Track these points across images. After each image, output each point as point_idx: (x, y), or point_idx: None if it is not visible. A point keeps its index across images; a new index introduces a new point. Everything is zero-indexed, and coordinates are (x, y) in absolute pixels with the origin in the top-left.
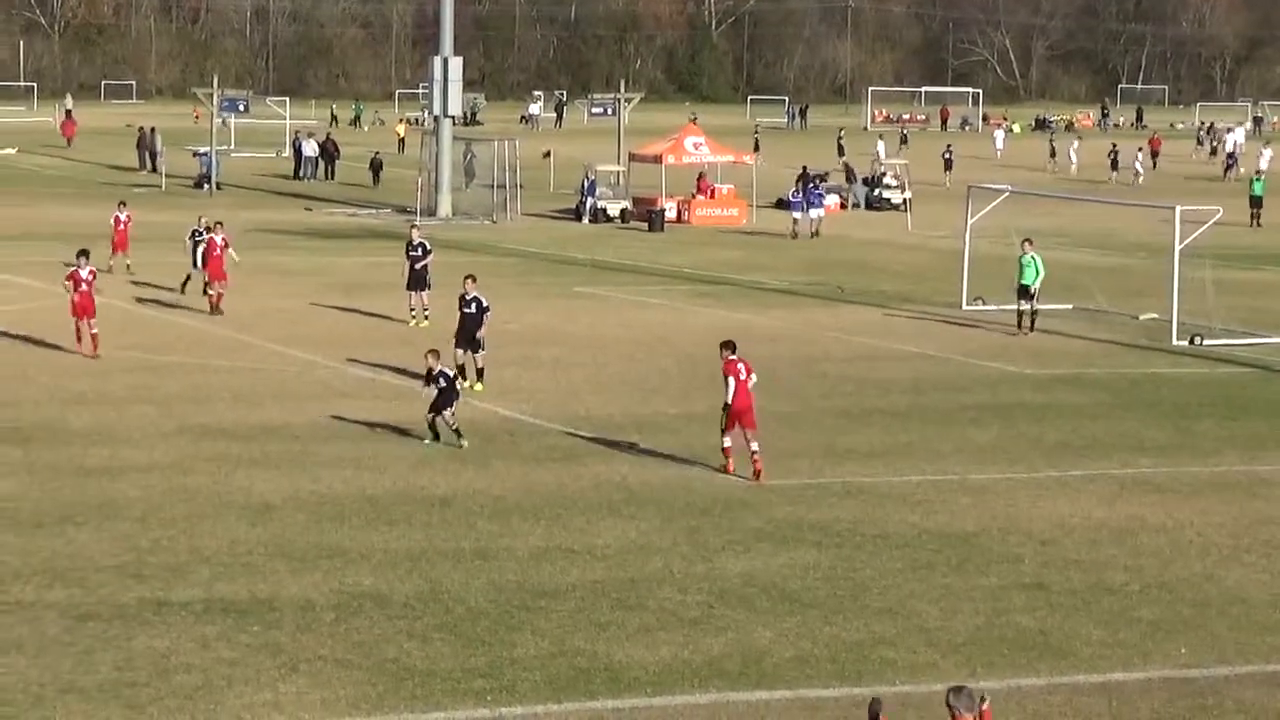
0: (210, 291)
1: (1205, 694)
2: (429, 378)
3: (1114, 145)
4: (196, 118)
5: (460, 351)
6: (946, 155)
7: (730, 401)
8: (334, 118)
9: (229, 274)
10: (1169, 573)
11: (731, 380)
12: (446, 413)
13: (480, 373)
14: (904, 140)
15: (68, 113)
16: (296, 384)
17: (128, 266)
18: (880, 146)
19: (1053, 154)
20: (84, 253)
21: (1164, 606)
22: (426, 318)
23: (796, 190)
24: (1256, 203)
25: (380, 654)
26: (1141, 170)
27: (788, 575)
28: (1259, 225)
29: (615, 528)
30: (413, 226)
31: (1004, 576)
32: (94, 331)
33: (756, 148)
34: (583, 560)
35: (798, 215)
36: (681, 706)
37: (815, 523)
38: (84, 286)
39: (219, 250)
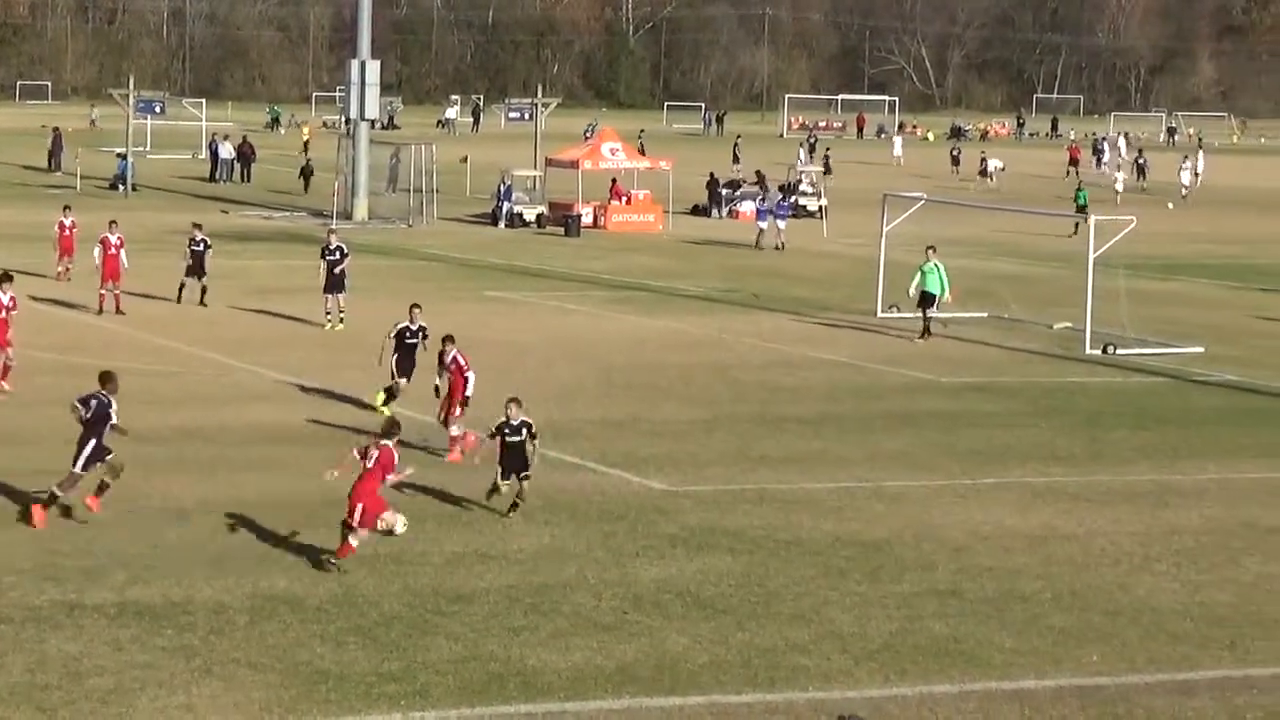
0: (104, 291)
1: (1116, 702)
2: (503, 430)
3: (983, 154)
4: (92, 123)
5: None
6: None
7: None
8: (275, 121)
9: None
10: (1081, 581)
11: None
12: (524, 483)
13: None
14: (812, 147)
15: None
16: (212, 387)
17: (68, 269)
18: (801, 153)
19: (955, 163)
20: (7, 277)
21: (1076, 614)
22: (342, 320)
23: (763, 199)
24: (1080, 210)
25: (293, 658)
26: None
27: (701, 581)
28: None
29: (530, 533)
30: (330, 231)
31: (917, 584)
32: (11, 363)
33: (642, 150)
34: (497, 565)
35: (763, 225)
36: (595, 712)
37: (729, 529)
38: (2, 314)
39: (113, 250)
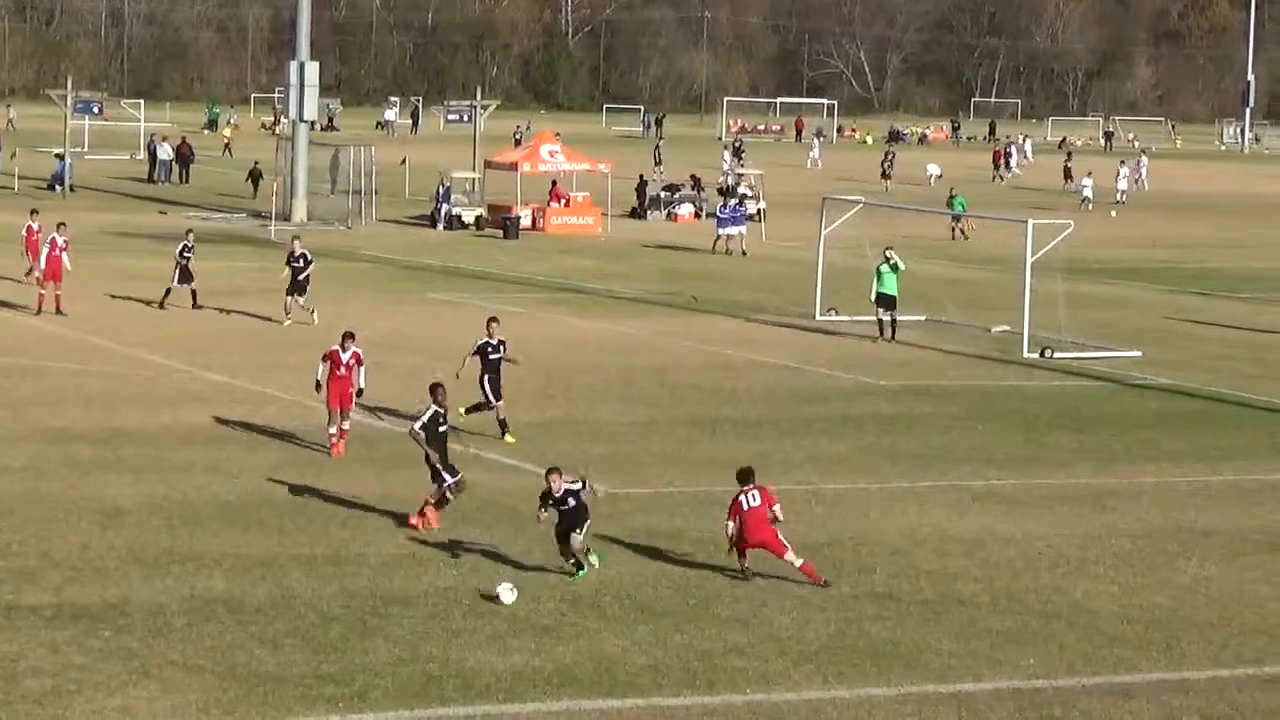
0: (44, 290)
1: (1053, 704)
2: (548, 500)
3: (890, 153)
4: (10, 122)
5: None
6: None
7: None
8: (213, 122)
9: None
10: (1018, 584)
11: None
12: (575, 536)
13: (504, 423)
14: (738, 152)
15: None
16: (151, 388)
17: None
18: (727, 156)
19: (885, 171)
20: None
21: (1013, 617)
22: (312, 314)
23: (724, 205)
24: (956, 217)
25: (231, 659)
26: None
27: (640, 584)
28: (965, 237)
29: (469, 534)
30: (295, 238)
31: (855, 586)
32: None
33: (518, 143)
34: (435, 567)
35: (725, 231)
36: (533, 714)
37: (668, 531)
38: None
39: (58, 250)
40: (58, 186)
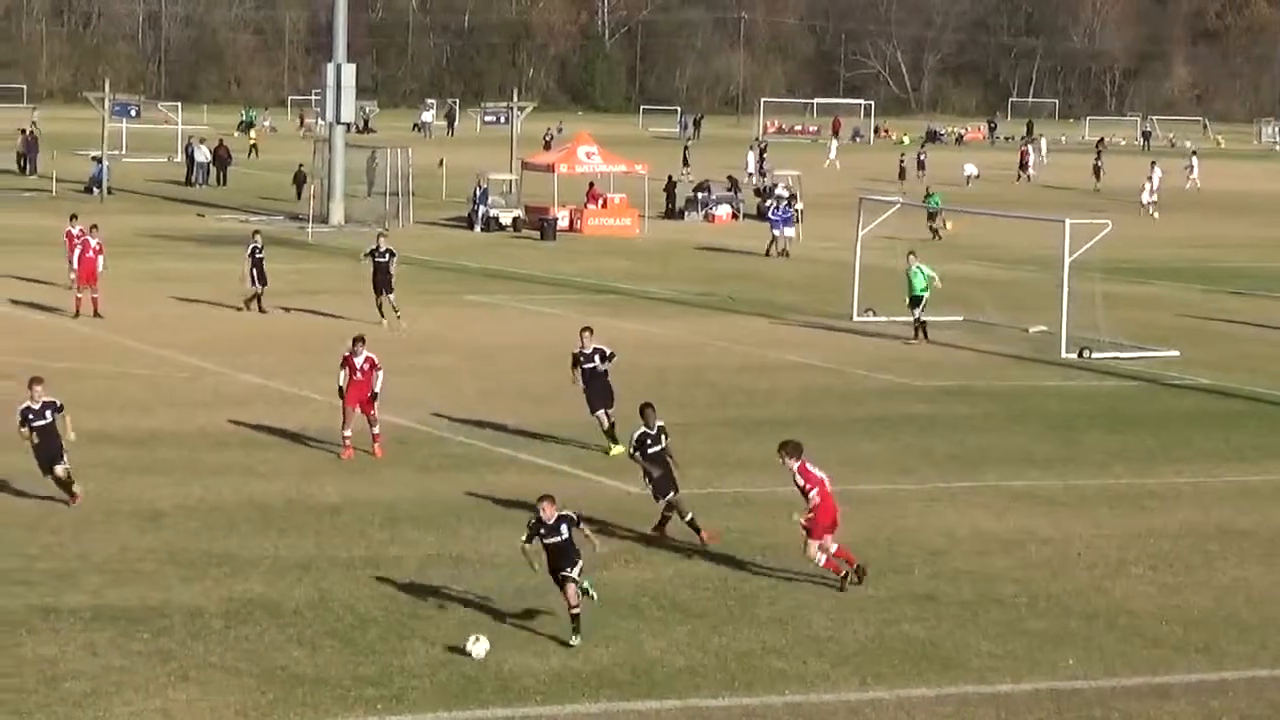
0: (80, 294)
1: (1092, 705)
2: (538, 531)
3: (920, 154)
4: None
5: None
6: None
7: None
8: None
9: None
10: (1057, 585)
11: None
12: (569, 580)
13: (611, 430)
14: (762, 152)
15: None
16: (187, 390)
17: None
18: (750, 157)
19: (902, 174)
20: None
21: (1052, 618)
22: (398, 316)
23: (778, 206)
24: (931, 216)
25: (270, 662)
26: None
27: (678, 585)
28: (938, 237)
29: (506, 537)
30: (379, 234)
31: (893, 588)
32: None
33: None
34: (473, 569)
35: (777, 232)
36: (571, 715)
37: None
38: None
39: (91, 253)
40: (95, 189)
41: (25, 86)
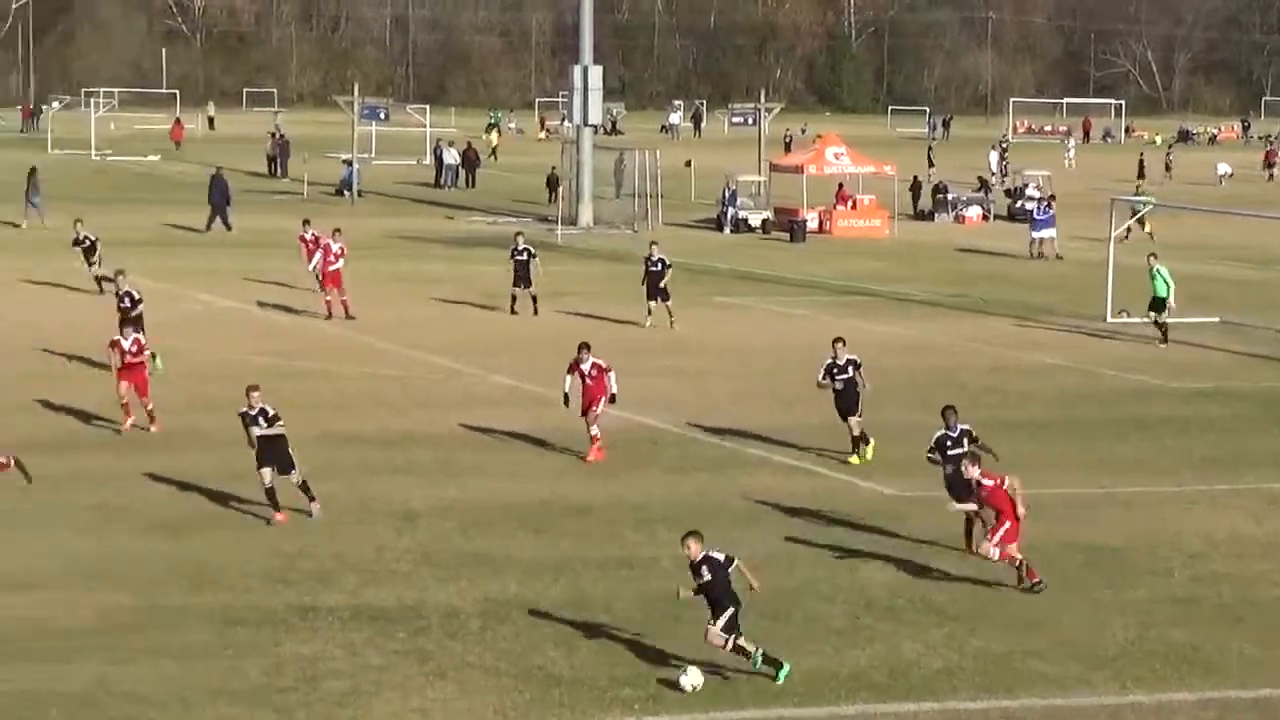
0: (329, 297)
1: None
2: (697, 574)
3: (1142, 155)
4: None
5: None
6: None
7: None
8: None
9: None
10: None
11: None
12: (711, 627)
13: (857, 440)
14: (1004, 152)
15: (177, 120)
16: (439, 391)
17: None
18: (992, 157)
19: (1142, 173)
20: (128, 320)
21: None
22: (671, 320)
23: (1037, 207)
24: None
25: (527, 662)
26: None
27: (934, 587)
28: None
29: (760, 538)
30: (653, 243)
31: (1153, 590)
32: (149, 407)
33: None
34: None
35: (1036, 234)
36: (828, 717)
37: (959, 535)
38: (127, 358)
39: (332, 256)
40: (345, 192)
41: (276, 91)
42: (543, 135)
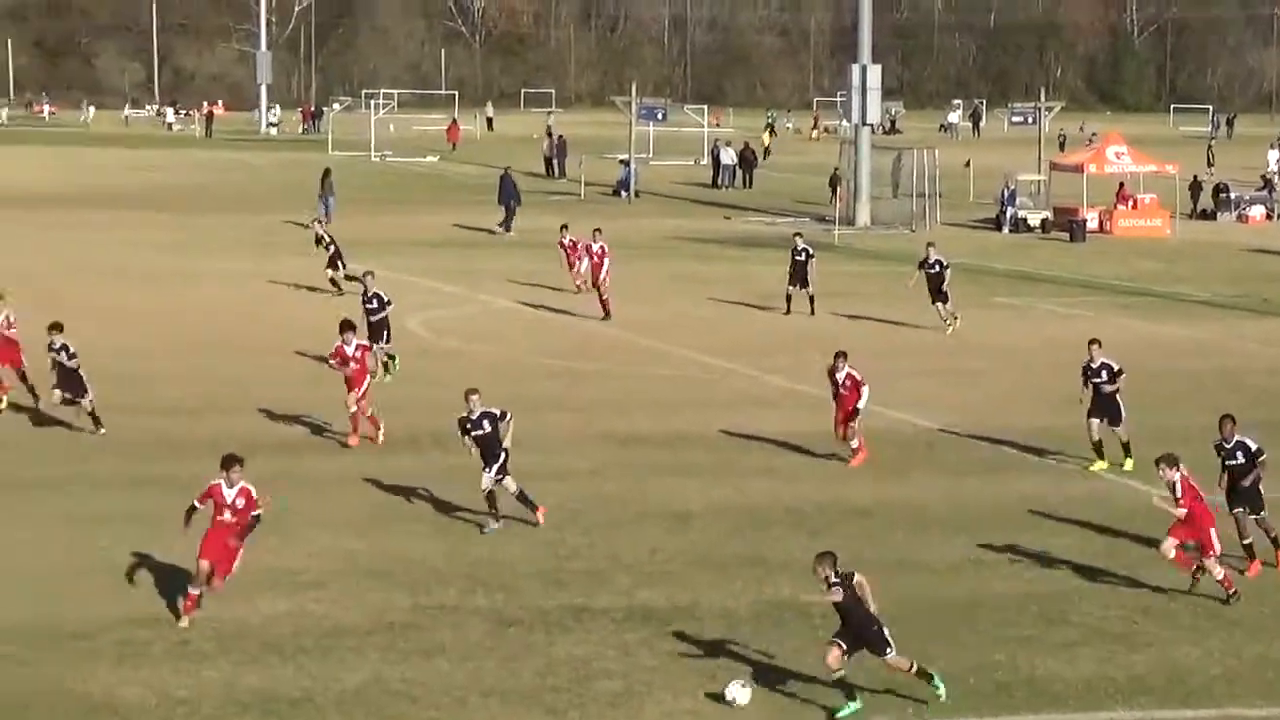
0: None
1: None
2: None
3: None
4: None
5: (1096, 423)
6: None
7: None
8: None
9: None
10: None
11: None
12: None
13: (1125, 446)
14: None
15: (453, 120)
16: (715, 392)
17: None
18: (1272, 155)
19: None
20: (349, 325)
21: None
22: (957, 320)
23: None
24: None
25: (800, 663)
26: None
27: (1211, 592)
28: None
29: (1036, 541)
30: (929, 245)
31: None
32: (368, 414)
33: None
34: (1004, 573)
35: None
36: None
37: (1238, 542)
38: (353, 365)
39: (595, 257)
40: (623, 192)
41: (553, 91)
42: (815, 135)
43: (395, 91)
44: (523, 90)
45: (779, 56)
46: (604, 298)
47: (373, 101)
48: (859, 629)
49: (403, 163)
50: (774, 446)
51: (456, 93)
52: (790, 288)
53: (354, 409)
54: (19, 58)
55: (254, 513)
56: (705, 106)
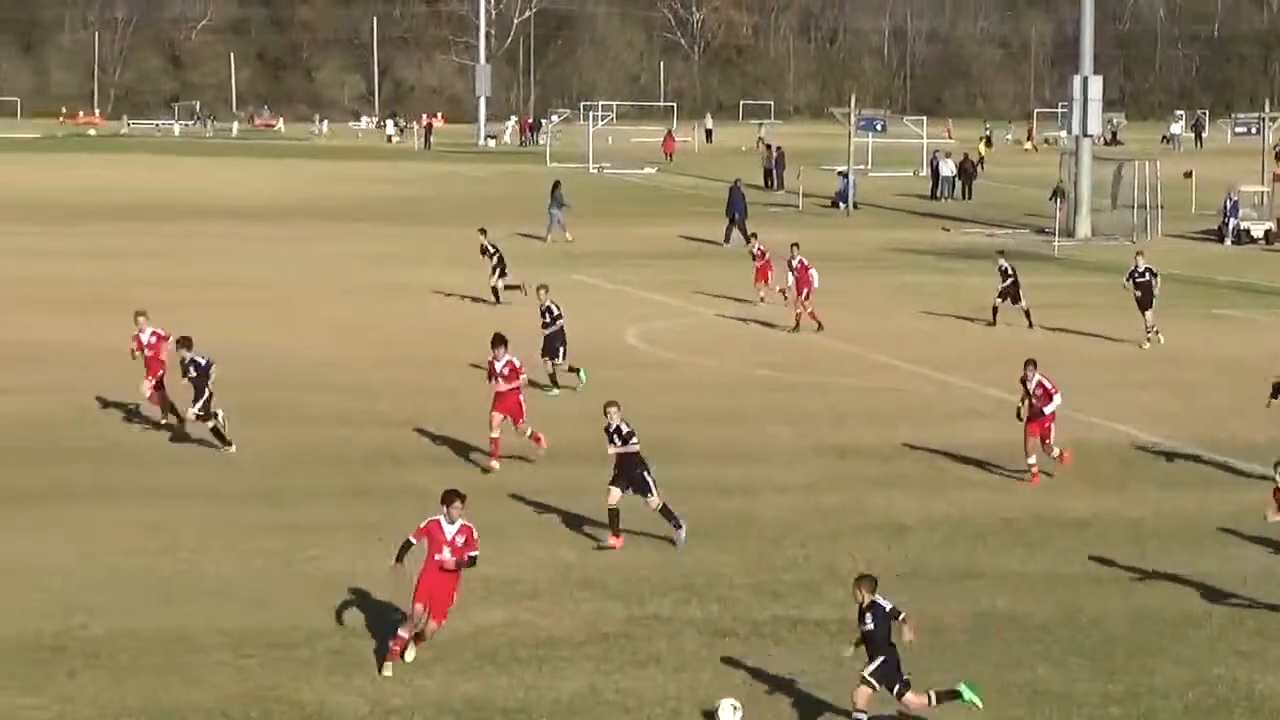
0: (799, 309)
1: None
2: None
3: None
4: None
5: None
6: None
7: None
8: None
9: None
10: None
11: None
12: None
13: None
14: None
15: (668, 132)
16: (931, 404)
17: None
18: None
19: None
20: (501, 341)
21: None
22: (1157, 336)
23: None
24: None
25: (1015, 677)
26: None
27: None
28: None
29: (1257, 555)
30: (1138, 254)
31: None
32: (528, 433)
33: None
34: (1219, 587)
35: None
36: None
37: None
38: (501, 384)
39: (798, 272)
40: (841, 204)
41: (772, 103)
42: (1027, 146)
43: (614, 103)
44: (741, 102)
45: (999, 67)
46: (799, 312)
47: (590, 113)
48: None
49: (620, 175)
50: (989, 458)
51: (675, 104)
52: (998, 301)
53: (496, 433)
54: (241, 71)
55: (472, 553)
56: (924, 118)
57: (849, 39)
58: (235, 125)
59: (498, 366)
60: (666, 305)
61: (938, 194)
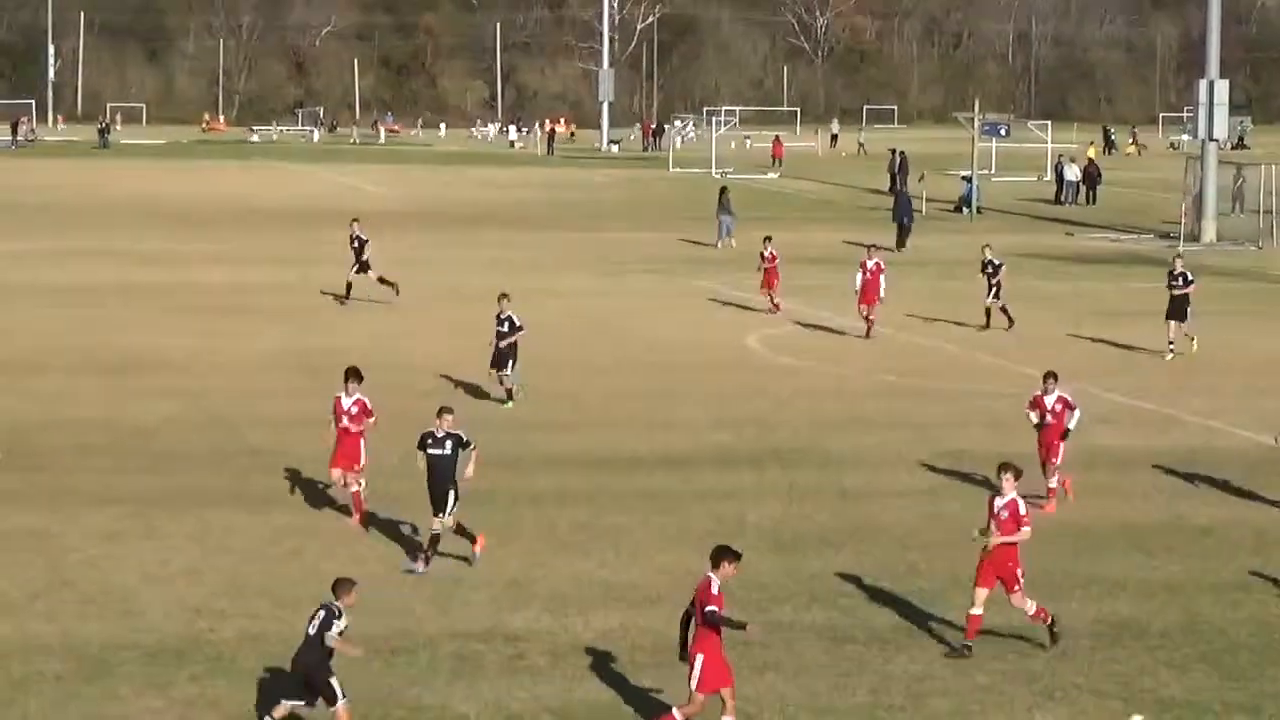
0: (871, 316)
1: None
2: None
3: None
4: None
5: None
6: None
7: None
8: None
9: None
10: None
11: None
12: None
13: None
14: None
15: (776, 137)
16: None
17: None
18: None
19: None
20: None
21: None
22: (1192, 345)
23: None
24: None
25: (1137, 684)
26: None
27: None
28: None
29: None
30: (1176, 256)
31: None
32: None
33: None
34: None
35: None
36: None
37: None
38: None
39: (866, 273)
40: (964, 209)
41: (896, 107)
42: (1129, 150)
43: (736, 109)
44: (864, 106)
45: (1124, 71)
46: (869, 316)
47: (713, 118)
48: None
49: (742, 179)
50: (1111, 465)
51: (799, 109)
52: (989, 301)
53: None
54: (364, 76)
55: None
56: (1048, 122)
57: (973, 43)
58: (355, 131)
59: (345, 404)
60: (788, 309)
61: (1062, 199)
